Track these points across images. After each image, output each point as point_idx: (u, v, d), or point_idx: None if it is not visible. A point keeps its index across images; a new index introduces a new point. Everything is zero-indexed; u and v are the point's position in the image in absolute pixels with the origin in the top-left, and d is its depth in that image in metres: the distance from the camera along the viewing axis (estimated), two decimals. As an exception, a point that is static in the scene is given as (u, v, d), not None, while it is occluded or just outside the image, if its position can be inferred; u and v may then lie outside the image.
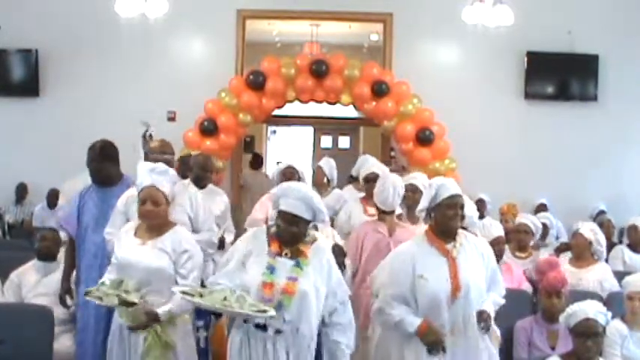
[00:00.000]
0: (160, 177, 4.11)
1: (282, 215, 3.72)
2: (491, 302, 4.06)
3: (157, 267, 4.01)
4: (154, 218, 4.09)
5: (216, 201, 6.09)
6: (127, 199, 4.67)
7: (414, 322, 3.94)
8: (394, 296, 4.02)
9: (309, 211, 3.71)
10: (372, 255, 5.06)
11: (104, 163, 5.00)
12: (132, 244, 4.10)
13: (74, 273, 5.10)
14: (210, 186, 6.14)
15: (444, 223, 4.03)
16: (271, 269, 3.66)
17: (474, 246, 4.10)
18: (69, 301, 5.15)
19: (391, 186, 5.20)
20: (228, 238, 6.06)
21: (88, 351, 4.75)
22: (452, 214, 4.01)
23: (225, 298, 3.54)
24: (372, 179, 5.83)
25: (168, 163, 4.75)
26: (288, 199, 3.71)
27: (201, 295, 3.63)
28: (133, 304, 3.87)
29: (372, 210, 5.81)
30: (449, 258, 3.98)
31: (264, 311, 3.50)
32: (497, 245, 5.47)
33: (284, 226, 3.71)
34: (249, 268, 3.72)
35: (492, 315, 4.01)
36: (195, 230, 4.77)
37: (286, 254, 3.71)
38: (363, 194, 6.16)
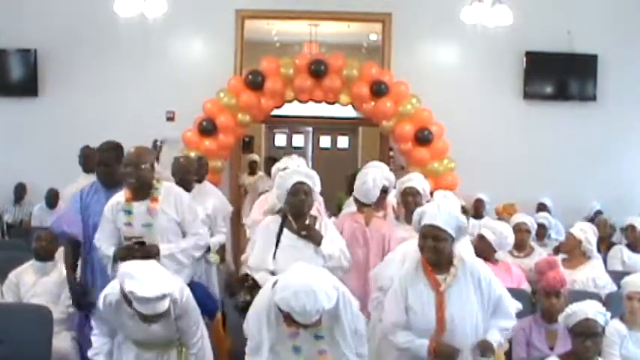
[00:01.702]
0: (161, 302, 3.82)
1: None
2: (497, 330, 3.93)
3: (171, 331, 4.08)
4: None
5: (205, 202, 6.07)
6: (112, 207, 4.67)
7: (422, 344, 3.89)
8: (395, 324, 4.00)
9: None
10: (350, 243, 5.14)
11: (118, 166, 4.97)
12: (137, 324, 3.97)
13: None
14: (202, 186, 6.11)
15: (422, 252, 3.97)
16: (297, 349, 3.78)
17: (470, 275, 3.95)
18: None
19: (372, 180, 5.38)
20: (218, 239, 6.09)
21: None
22: (422, 244, 3.95)
23: None
24: (382, 191, 5.87)
25: (143, 177, 4.68)
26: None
27: None
28: None
29: (380, 214, 5.83)
30: (437, 292, 3.90)
31: None
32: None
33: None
34: (279, 351, 3.81)
35: (498, 342, 3.90)
36: (183, 234, 4.77)
37: (302, 326, 3.72)
38: None
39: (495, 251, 5.78)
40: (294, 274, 3.67)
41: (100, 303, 4.03)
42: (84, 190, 5.12)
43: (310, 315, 3.56)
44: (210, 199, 6.18)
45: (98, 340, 4.16)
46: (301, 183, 4.66)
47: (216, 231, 6.26)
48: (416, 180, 5.45)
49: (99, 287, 4.80)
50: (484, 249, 5.60)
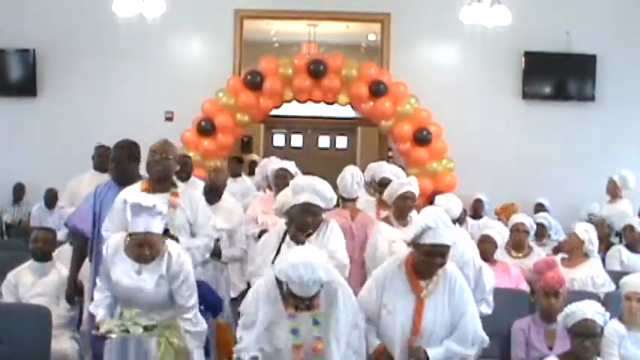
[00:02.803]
0: (157, 221, 3.98)
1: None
2: (443, 349, 3.92)
3: (159, 294, 4.06)
4: (151, 260, 4.06)
5: (229, 216, 6.05)
6: (124, 200, 4.68)
7: (373, 342, 3.97)
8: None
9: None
10: None
11: (131, 164, 5.03)
12: (126, 267, 4.05)
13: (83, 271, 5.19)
14: (226, 199, 6.11)
15: (421, 265, 3.96)
16: (295, 332, 3.82)
17: (448, 284, 3.97)
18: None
19: (349, 175, 5.72)
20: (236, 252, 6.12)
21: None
22: (428, 261, 3.91)
23: None
24: (385, 184, 5.91)
25: (169, 168, 4.74)
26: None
27: None
28: (154, 326, 3.96)
29: (384, 213, 5.86)
30: (417, 298, 3.93)
31: None
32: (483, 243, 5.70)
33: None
34: (274, 330, 3.86)
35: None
36: (192, 234, 4.78)
37: (302, 308, 3.78)
38: (372, 198, 6.27)
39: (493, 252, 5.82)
40: (294, 251, 3.81)
41: (104, 249, 4.11)
42: (99, 188, 5.16)
43: (308, 286, 3.64)
44: (238, 210, 6.20)
45: (100, 294, 4.18)
46: (313, 205, 4.57)
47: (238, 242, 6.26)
48: (414, 185, 5.51)
49: None
50: (489, 249, 5.63)
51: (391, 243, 5.29)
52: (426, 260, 3.91)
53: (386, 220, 5.45)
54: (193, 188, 6.51)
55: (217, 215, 5.84)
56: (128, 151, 5.07)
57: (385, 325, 3.98)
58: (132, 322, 3.91)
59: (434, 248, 3.88)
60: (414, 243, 3.93)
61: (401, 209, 5.39)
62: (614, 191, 8.38)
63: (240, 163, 9.33)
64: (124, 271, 4.04)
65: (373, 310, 4.01)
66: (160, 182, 4.71)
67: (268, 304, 3.86)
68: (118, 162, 5.06)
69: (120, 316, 4.01)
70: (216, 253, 5.64)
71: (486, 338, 4.14)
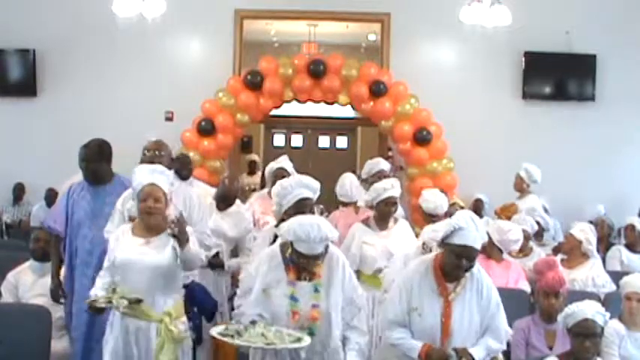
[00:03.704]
0: (160, 176, 4.15)
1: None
2: (483, 347, 3.93)
3: (163, 263, 4.05)
4: (155, 214, 4.10)
5: (237, 224, 6.00)
6: (123, 199, 4.72)
7: (414, 346, 3.91)
8: (394, 321, 4.01)
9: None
10: (343, 228, 5.52)
11: (101, 163, 5.03)
12: (132, 244, 4.10)
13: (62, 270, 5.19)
14: (236, 207, 6.09)
15: (447, 266, 3.94)
16: (294, 298, 3.89)
17: (477, 289, 3.97)
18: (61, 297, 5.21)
19: (349, 182, 6.39)
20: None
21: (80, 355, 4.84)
22: (457, 263, 3.89)
23: (262, 334, 3.74)
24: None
25: (162, 165, 4.78)
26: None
27: (238, 334, 3.77)
28: (139, 300, 3.96)
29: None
30: (445, 300, 3.92)
31: (300, 339, 3.77)
32: None
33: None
34: (272, 296, 3.92)
35: (479, 358, 3.89)
36: None
37: (304, 278, 3.89)
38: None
39: (501, 251, 5.76)
40: (297, 217, 3.94)
41: (111, 239, 4.18)
42: (72, 187, 5.17)
43: (315, 243, 3.75)
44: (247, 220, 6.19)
45: (101, 280, 4.16)
46: (308, 199, 4.57)
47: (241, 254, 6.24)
48: (396, 187, 5.51)
49: (77, 279, 4.92)
50: (485, 248, 5.60)
51: (362, 245, 5.32)
52: (454, 261, 3.89)
53: (365, 221, 5.45)
54: (197, 188, 6.55)
55: (226, 222, 5.84)
56: (98, 149, 5.06)
57: (417, 327, 3.95)
58: (119, 296, 3.94)
59: (461, 249, 3.84)
60: (444, 242, 3.91)
61: (382, 214, 5.41)
62: (521, 187, 8.24)
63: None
64: (130, 247, 4.07)
65: (403, 314, 3.98)
66: None
67: (269, 268, 3.95)
68: (88, 161, 5.05)
69: (113, 291, 4.03)
70: (219, 265, 5.70)
71: (511, 331, 4.21)
